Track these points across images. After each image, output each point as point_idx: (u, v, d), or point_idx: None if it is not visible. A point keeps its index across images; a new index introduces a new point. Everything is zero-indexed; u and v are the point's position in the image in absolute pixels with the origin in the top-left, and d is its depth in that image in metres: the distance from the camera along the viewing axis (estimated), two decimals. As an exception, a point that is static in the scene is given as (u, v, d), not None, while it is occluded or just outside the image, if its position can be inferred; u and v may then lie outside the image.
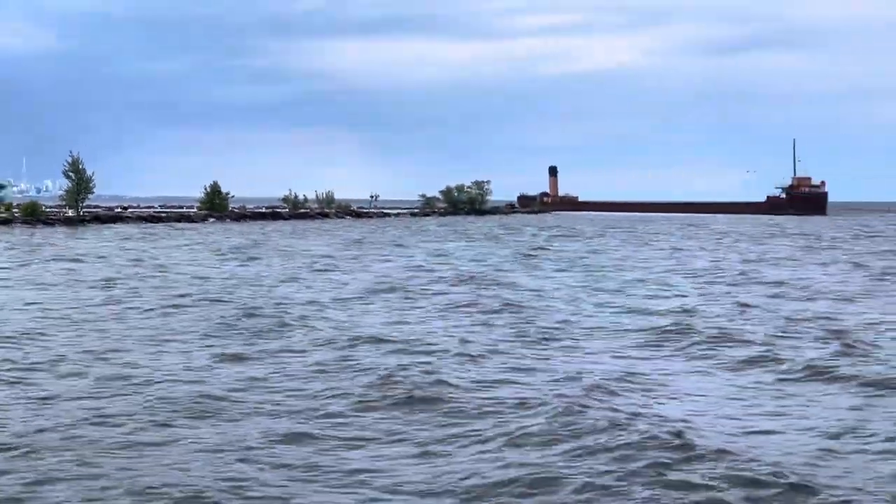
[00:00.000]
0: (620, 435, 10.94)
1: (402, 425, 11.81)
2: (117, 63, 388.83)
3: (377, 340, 18.05)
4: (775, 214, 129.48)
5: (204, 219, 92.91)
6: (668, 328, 20.00)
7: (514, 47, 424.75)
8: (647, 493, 9.16)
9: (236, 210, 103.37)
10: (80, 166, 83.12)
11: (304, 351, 17.11)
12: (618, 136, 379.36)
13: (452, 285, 29.75)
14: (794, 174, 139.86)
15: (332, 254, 45.60)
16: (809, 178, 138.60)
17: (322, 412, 12.40)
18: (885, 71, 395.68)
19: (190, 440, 11.02)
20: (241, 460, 10.20)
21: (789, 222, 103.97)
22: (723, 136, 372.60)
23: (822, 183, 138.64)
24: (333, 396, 13.29)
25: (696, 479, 9.49)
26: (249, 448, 10.64)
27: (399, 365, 15.28)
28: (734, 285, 30.79)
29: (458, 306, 24.05)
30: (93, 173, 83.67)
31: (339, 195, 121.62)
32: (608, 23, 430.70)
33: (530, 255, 46.06)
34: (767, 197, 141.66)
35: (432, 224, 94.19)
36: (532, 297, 26.54)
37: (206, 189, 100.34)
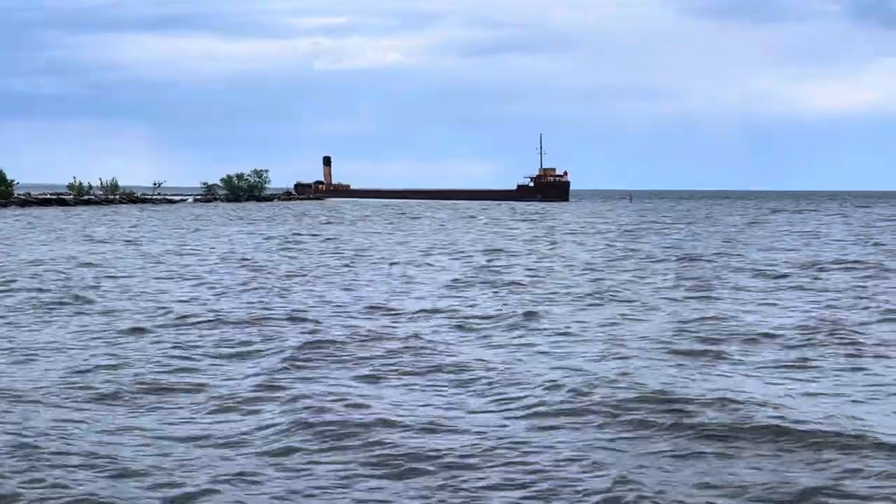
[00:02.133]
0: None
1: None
2: None
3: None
4: (523, 201, 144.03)
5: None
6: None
7: (289, 46, 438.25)
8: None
9: (21, 196, 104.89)
10: None
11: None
12: (386, 128, 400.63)
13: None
14: (541, 165, 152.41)
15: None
16: (554, 169, 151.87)
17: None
18: (625, 72, 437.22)
19: None
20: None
21: (531, 207, 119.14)
22: (480, 130, 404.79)
23: (565, 173, 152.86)
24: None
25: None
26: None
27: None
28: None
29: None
30: None
31: (126, 183, 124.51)
32: (376, 25, 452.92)
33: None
34: (517, 185, 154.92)
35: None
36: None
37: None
